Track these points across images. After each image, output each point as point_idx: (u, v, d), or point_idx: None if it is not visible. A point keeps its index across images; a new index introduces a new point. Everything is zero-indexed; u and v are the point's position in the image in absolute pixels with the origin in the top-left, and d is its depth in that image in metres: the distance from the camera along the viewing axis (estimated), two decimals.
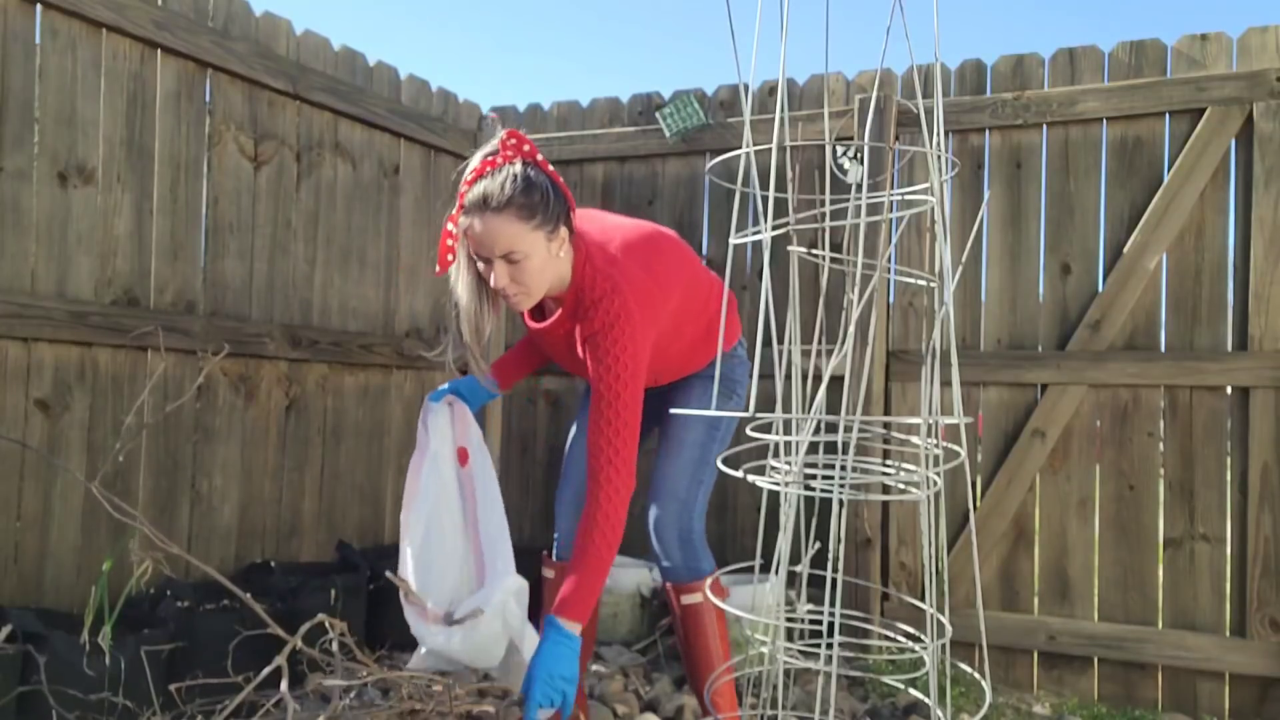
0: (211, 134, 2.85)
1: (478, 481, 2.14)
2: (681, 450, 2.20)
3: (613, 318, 1.90)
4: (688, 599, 2.20)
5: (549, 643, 1.80)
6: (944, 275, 1.10)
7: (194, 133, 2.80)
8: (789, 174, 1.10)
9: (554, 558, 2.36)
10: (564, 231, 1.90)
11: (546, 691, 1.76)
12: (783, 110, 1.14)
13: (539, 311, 2.11)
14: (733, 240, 1.14)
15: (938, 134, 1.08)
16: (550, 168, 1.89)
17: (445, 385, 2.19)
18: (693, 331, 2.14)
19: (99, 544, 2.54)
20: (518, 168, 1.83)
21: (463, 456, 2.14)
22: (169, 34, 2.68)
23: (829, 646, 1.21)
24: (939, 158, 1.07)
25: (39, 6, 2.41)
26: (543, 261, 1.87)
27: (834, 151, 3.34)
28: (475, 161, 1.86)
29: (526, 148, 1.87)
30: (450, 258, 1.93)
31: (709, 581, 2.18)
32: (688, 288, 2.09)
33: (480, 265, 1.89)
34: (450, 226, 1.91)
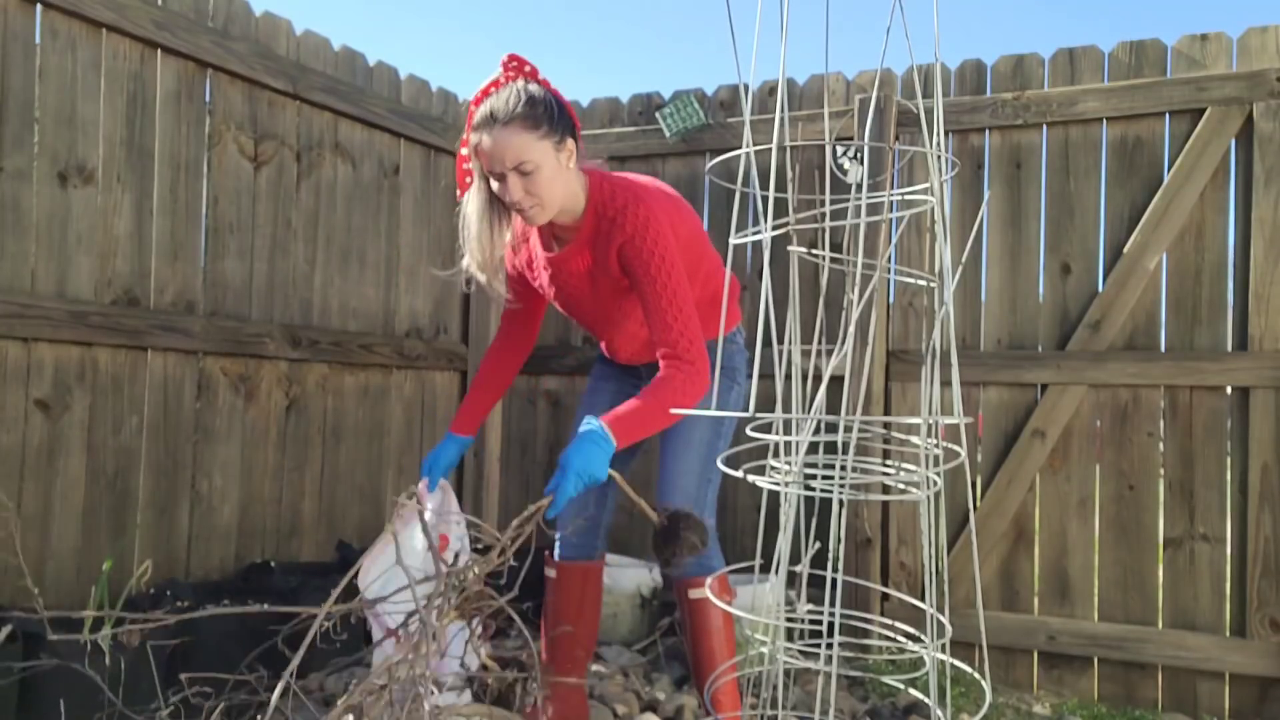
0: (211, 134, 2.85)
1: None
2: (690, 449, 2.20)
3: (643, 220, 1.95)
4: (695, 593, 2.20)
5: (588, 441, 1.82)
6: (944, 275, 1.10)
7: (194, 133, 2.80)
8: (789, 174, 1.10)
9: (555, 557, 2.37)
10: (571, 144, 1.95)
11: (577, 485, 1.80)
12: (783, 110, 1.14)
13: (552, 250, 2.14)
14: (733, 240, 1.14)
15: (938, 134, 1.08)
16: (552, 86, 1.95)
17: (425, 480, 2.22)
18: (699, 295, 2.15)
19: (99, 544, 2.54)
20: (520, 84, 1.91)
21: (444, 543, 2.17)
22: (169, 34, 2.68)
23: (829, 647, 1.21)
24: (939, 158, 1.07)
25: (39, 6, 2.41)
26: (553, 172, 1.92)
27: (834, 151, 3.34)
28: (480, 87, 1.94)
29: (528, 69, 1.94)
30: (468, 180, 1.99)
31: (715, 579, 2.18)
32: (695, 235, 2.12)
33: (495, 185, 1.94)
34: (463, 150, 1.97)
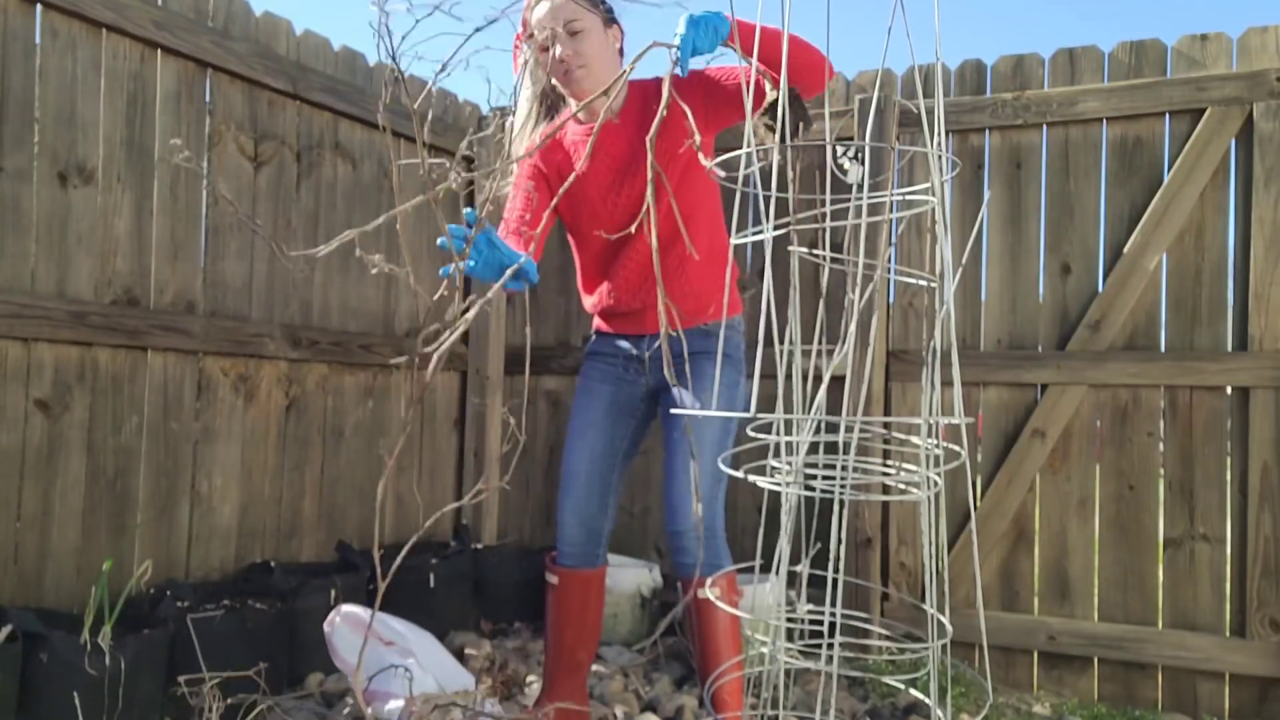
0: (211, 134, 2.85)
1: (415, 645, 2.27)
2: (702, 447, 2.18)
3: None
4: (701, 593, 2.16)
5: (711, 14, 1.77)
6: (944, 275, 1.10)
7: (194, 133, 2.80)
8: (789, 174, 1.10)
9: (558, 564, 2.35)
10: (617, 30, 2.10)
11: (700, 38, 1.75)
12: (783, 110, 1.14)
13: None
14: (733, 240, 1.14)
15: (938, 134, 1.08)
16: None
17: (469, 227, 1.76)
18: (718, 250, 2.20)
19: (99, 544, 2.54)
20: None
21: (390, 643, 2.25)
22: (169, 34, 2.67)
23: (829, 647, 1.21)
24: (939, 158, 1.07)
25: (39, 6, 2.41)
26: (601, 44, 2.06)
27: (834, 151, 3.34)
28: None
29: None
30: (518, 61, 2.13)
31: (724, 578, 2.17)
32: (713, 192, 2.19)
33: (545, 59, 2.05)
34: (516, 43, 2.12)
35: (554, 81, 2.11)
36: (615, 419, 2.33)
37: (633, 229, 2.09)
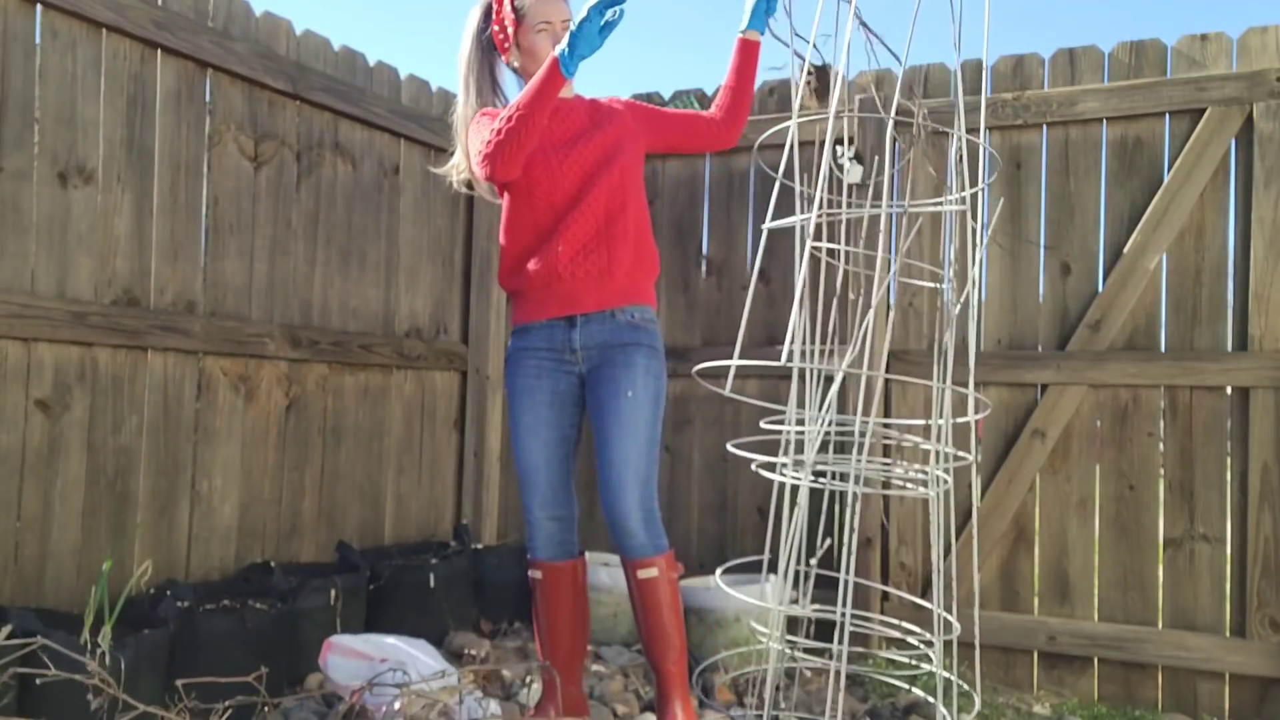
0: (211, 134, 2.85)
1: (407, 656, 2.34)
2: (638, 431, 2.25)
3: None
4: (645, 573, 2.25)
5: None
6: (967, 275, 1.10)
7: (194, 133, 2.79)
8: (795, 173, 1.10)
9: (539, 558, 2.39)
10: None
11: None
12: (794, 111, 1.14)
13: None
14: (766, 226, 1.14)
15: (958, 137, 1.08)
16: None
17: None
18: (645, 240, 2.37)
19: (99, 544, 2.53)
20: None
21: (383, 660, 2.33)
22: (169, 34, 2.67)
23: (840, 643, 1.20)
24: (960, 159, 1.07)
25: (39, 6, 2.40)
26: None
27: (834, 152, 3.34)
28: None
29: None
30: (506, 45, 2.35)
31: (665, 557, 2.26)
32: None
33: (535, 40, 2.29)
34: (499, 22, 2.34)
35: (514, 64, 2.36)
36: (561, 410, 2.36)
37: (584, 195, 2.29)
